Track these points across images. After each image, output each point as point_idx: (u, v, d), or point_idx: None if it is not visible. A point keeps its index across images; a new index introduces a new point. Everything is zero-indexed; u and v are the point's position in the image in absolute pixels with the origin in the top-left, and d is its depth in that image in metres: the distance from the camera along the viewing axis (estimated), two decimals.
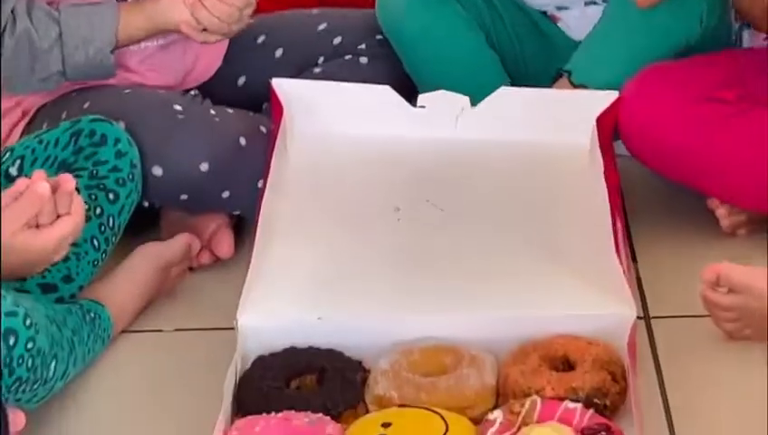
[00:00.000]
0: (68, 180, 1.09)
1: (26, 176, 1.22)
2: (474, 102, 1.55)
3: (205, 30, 1.41)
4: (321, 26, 1.72)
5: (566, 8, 1.77)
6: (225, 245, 1.49)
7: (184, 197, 1.45)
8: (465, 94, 1.54)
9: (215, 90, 1.70)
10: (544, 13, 1.76)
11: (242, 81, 1.72)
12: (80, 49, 1.43)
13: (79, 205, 1.12)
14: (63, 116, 1.49)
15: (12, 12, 1.40)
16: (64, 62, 1.44)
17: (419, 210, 1.41)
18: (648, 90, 1.57)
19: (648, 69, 1.59)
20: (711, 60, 1.70)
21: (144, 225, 1.55)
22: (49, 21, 1.43)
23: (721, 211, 1.54)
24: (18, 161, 1.36)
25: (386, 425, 1.12)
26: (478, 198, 1.45)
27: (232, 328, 1.24)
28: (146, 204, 1.48)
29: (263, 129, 1.53)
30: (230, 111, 1.57)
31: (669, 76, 1.62)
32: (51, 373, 1.12)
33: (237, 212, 1.54)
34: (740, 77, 1.62)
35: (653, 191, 1.71)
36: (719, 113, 1.57)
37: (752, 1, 1.76)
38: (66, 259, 1.21)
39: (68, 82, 1.49)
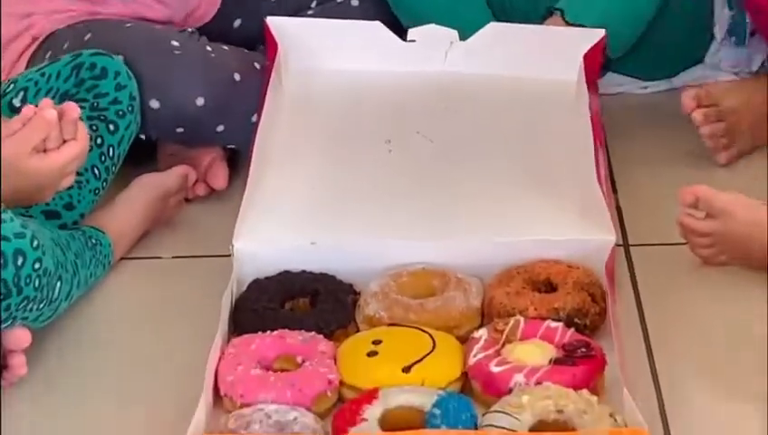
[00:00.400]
0: (73, 108, 1.11)
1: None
2: (461, 38, 1.65)
3: None
4: None
5: None
6: (220, 176, 1.51)
7: (180, 130, 1.47)
8: (450, 26, 1.61)
9: (211, 31, 1.73)
10: None
11: (237, 23, 1.77)
12: None
13: (83, 131, 1.15)
14: (65, 46, 1.54)
15: None
16: None
17: (410, 142, 1.43)
18: None
19: None
20: None
21: (142, 157, 1.55)
22: None
23: (697, 116, 1.47)
24: (21, 93, 1.39)
25: (376, 342, 1.16)
26: (467, 129, 1.48)
27: (228, 255, 1.26)
28: (143, 137, 1.46)
29: (257, 65, 1.55)
30: (226, 48, 1.63)
31: None
32: (56, 294, 1.14)
33: (232, 145, 1.55)
34: None
35: (636, 127, 1.71)
36: None
37: None
38: (69, 188, 1.24)
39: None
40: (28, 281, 1.07)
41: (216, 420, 1.06)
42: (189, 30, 1.70)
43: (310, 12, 1.77)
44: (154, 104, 1.47)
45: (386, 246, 1.27)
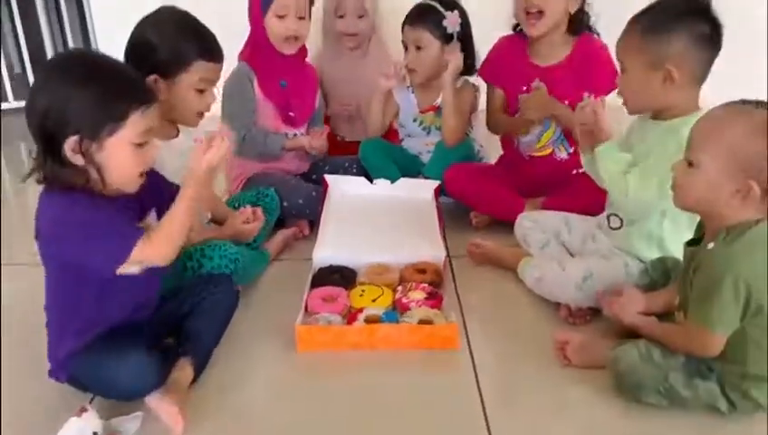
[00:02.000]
0: (260, 210, 1.97)
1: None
2: (392, 181, 2.24)
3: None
4: (346, 163, 2.49)
5: (421, 153, 2.46)
6: (307, 230, 2.22)
7: (293, 212, 2.16)
8: (388, 179, 2.26)
9: (303, 176, 2.42)
10: (416, 154, 2.48)
11: (314, 176, 2.44)
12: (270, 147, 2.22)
13: (261, 217, 1.94)
14: (255, 182, 2.23)
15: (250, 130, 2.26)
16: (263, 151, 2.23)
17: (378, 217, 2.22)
18: (455, 171, 2.27)
19: (455, 166, 2.25)
20: (479, 166, 2.40)
21: (278, 224, 2.22)
22: (261, 136, 2.28)
23: (474, 217, 2.36)
24: (237, 202, 2.07)
25: (363, 291, 1.76)
26: (380, 224, 2.19)
27: (310, 258, 1.96)
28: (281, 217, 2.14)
29: (320, 190, 2.21)
30: (308, 183, 2.28)
31: (463, 168, 2.30)
32: (250, 273, 1.90)
33: (311, 218, 2.20)
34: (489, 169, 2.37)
35: (455, 217, 2.36)
36: (477, 180, 2.29)
37: (497, 127, 2.32)
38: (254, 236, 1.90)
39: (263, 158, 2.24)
40: (240, 269, 1.80)
41: (306, 319, 1.66)
42: (298, 175, 2.37)
43: (339, 172, 2.35)
44: (285, 204, 2.19)
45: (366, 256, 1.95)
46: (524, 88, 2.14)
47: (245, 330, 1.68)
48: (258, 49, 2.16)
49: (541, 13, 1.99)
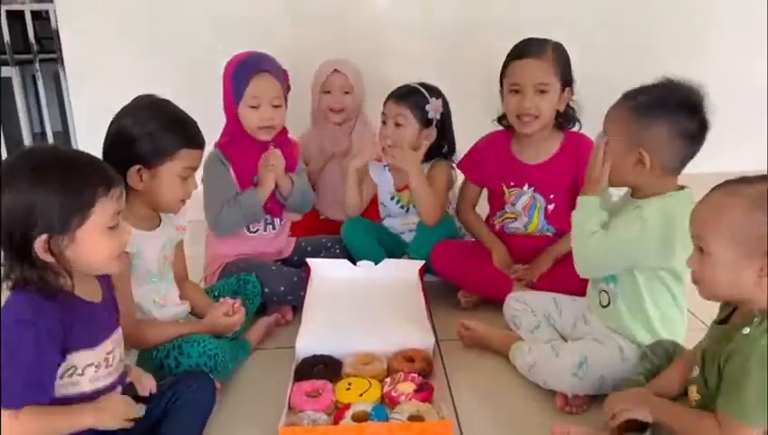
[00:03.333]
0: (240, 303, 1.89)
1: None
2: (376, 263, 2.15)
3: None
4: (328, 243, 2.42)
5: (403, 232, 2.39)
6: (289, 316, 2.13)
7: (275, 299, 2.07)
8: (372, 261, 2.18)
9: (285, 261, 2.32)
10: (398, 234, 2.40)
11: (295, 259, 2.35)
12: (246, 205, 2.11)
13: (242, 311, 1.87)
14: (233, 269, 2.13)
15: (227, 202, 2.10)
16: (245, 213, 2.12)
17: (361, 295, 2.17)
18: (440, 250, 2.20)
19: (439, 244, 2.20)
20: (465, 243, 2.33)
21: (260, 310, 2.14)
22: (236, 206, 2.14)
23: (462, 297, 2.28)
24: (217, 292, 2.03)
25: (349, 384, 1.66)
26: (365, 309, 2.09)
27: (293, 347, 1.85)
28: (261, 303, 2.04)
29: (302, 275, 2.16)
30: (291, 268, 2.17)
31: (448, 246, 2.23)
32: (230, 366, 1.77)
33: (294, 304, 2.12)
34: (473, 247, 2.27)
35: (442, 296, 2.28)
36: (464, 258, 2.21)
37: (466, 225, 2.39)
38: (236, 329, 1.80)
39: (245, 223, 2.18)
40: (222, 364, 1.72)
41: (290, 418, 1.55)
42: (279, 259, 2.29)
43: (322, 253, 2.29)
44: (266, 290, 2.09)
45: (351, 346, 1.85)
46: (512, 184, 2.21)
47: (226, 429, 1.59)
48: (234, 138, 2.14)
49: (537, 115, 2.04)
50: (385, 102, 2.20)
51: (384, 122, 2.20)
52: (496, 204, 2.18)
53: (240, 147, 2.09)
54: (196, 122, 1.65)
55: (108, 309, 1.30)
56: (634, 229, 1.47)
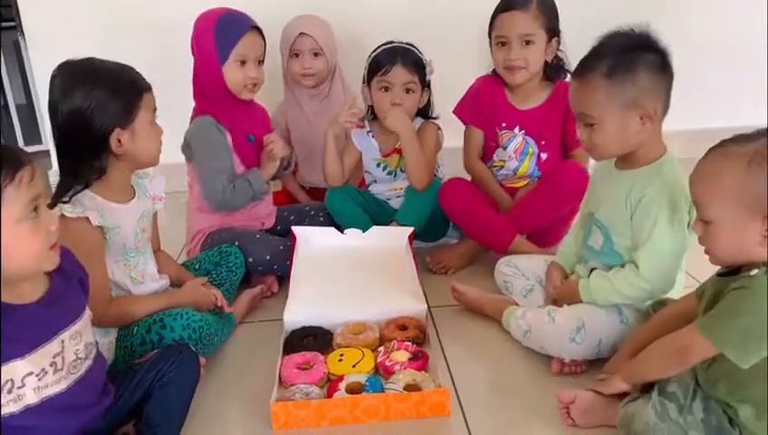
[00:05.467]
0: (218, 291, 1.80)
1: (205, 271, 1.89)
2: (363, 231, 2.07)
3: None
4: (312, 211, 2.33)
5: (390, 199, 2.30)
6: (275, 287, 2.03)
7: (260, 268, 1.98)
8: (359, 228, 2.08)
9: (269, 230, 2.23)
10: (385, 200, 2.30)
11: (279, 228, 2.26)
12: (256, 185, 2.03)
13: (219, 293, 1.77)
14: (215, 239, 2.05)
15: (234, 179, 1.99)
16: (254, 194, 2.05)
17: (348, 269, 2.04)
18: (450, 186, 2.14)
19: (451, 180, 2.16)
20: (473, 186, 2.25)
21: (245, 280, 2.05)
22: (243, 180, 2.05)
23: (431, 265, 2.22)
24: (198, 264, 1.98)
25: (341, 355, 1.59)
26: (354, 277, 1.99)
27: (281, 319, 1.75)
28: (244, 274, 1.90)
29: (288, 243, 2.03)
30: (276, 237, 2.09)
31: (459, 184, 2.17)
32: (215, 341, 1.68)
33: (280, 273, 2.03)
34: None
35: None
36: (473, 201, 2.14)
37: (473, 173, 2.30)
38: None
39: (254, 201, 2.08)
40: (207, 337, 1.61)
41: (281, 393, 1.47)
42: (262, 229, 2.16)
43: (306, 222, 2.21)
44: (250, 260, 1.97)
45: (343, 314, 1.77)
46: (504, 125, 2.19)
47: (214, 407, 1.51)
48: (218, 100, 2.01)
49: (525, 67, 2.05)
50: (387, 68, 2.13)
51: (387, 88, 2.13)
52: (488, 149, 2.18)
53: (229, 109, 2.01)
54: (131, 66, 1.58)
55: (54, 304, 1.15)
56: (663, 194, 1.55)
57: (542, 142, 2.11)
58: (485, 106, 2.13)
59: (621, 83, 1.39)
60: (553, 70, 2.09)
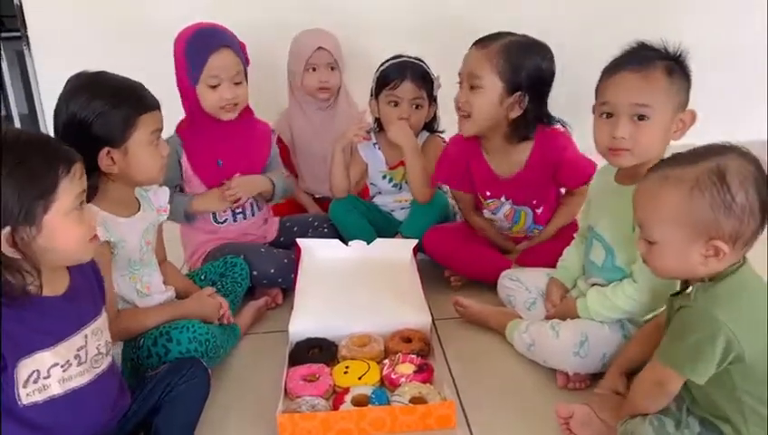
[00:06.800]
0: (223, 299, 1.82)
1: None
2: (368, 243, 2.06)
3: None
4: (315, 221, 2.33)
5: (394, 210, 2.30)
6: (280, 298, 2.03)
7: (264, 282, 1.97)
8: (363, 240, 2.09)
9: (272, 244, 2.23)
10: (389, 211, 2.30)
11: (282, 240, 2.24)
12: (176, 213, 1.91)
13: (225, 303, 1.78)
14: (218, 254, 2.02)
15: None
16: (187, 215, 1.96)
17: (348, 282, 2.01)
18: (432, 235, 2.12)
19: (432, 230, 2.12)
20: (458, 226, 2.21)
21: (249, 292, 2.04)
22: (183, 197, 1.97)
23: (450, 275, 2.15)
24: (203, 275, 1.99)
25: (347, 368, 1.59)
26: (359, 289, 1.98)
27: (286, 330, 1.75)
28: (250, 286, 1.96)
29: (293, 256, 2.04)
30: (280, 250, 2.07)
31: (441, 231, 2.15)
32: (221, 353, 1.66)
33: (284, 286, 2.03)
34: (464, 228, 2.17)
35: (434, 275, 2.20)
36: (459, 243, 2.13)
37: (474, 225, 2.20)
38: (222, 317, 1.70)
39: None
40: (213, 349, 1.61)
41: (287, 405, 1.47)
42: (266, 243, 2.15)
43: (310, 233, 2.21)
44: (254, 273, 1.96)
45: (347, 326, 1.77)
46: (489, 194, 2.10)
47: (220, 419, 1.50)
48: (195, 121, 1.99)
49: (468, 114, 1.86)
50: (396, 83, 2.11)
51: (396, 103, 2.13)
52: (480, 205, 2.11)
53: (200, 130, 1.96)
54: (141, 84, 1.51)
55: (76, 299, 1.16)
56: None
57: (534, 202, 2.00)
58: (466, 171, 2.04)
59: (678, 85, 1.39)
60: (522, 129, 1.90)
